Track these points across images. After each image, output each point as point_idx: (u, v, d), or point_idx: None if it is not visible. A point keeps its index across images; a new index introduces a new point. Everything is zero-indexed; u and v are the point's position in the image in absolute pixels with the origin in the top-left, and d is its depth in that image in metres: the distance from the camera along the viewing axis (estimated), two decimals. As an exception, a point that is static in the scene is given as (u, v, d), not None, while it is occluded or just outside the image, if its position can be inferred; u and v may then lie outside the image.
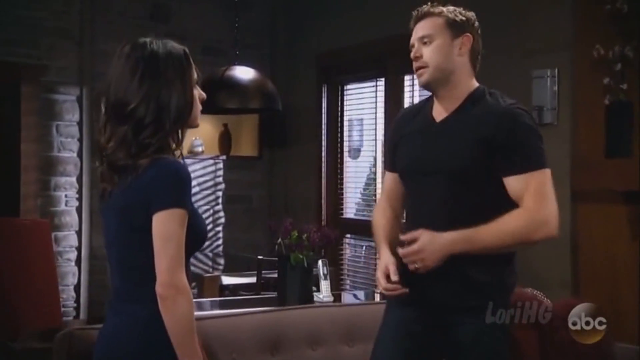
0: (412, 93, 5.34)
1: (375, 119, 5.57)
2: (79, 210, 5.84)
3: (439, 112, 2.29)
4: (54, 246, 5.64)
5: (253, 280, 4.52)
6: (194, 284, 4.46)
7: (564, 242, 4.04)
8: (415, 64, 2.28)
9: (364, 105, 5.77)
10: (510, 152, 2.15)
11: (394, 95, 5.41)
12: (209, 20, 6.32)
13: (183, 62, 1.97)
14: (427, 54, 2.25)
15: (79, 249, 5.85)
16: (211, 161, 6.24)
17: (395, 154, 2.38)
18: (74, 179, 5.84)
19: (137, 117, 1.89)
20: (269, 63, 6.44)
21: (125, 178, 1.89)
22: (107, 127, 1.93)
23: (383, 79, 5.49)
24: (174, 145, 1.93)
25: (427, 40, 2.26)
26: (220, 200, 6.25)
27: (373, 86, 5.61)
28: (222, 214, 6.27)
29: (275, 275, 3.87)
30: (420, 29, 2.30)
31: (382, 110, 5.51)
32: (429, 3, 2.36)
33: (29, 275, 3.11)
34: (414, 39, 2.31)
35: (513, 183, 2.15)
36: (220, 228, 6.24)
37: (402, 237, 2.19)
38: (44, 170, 5.74)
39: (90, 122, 5.87)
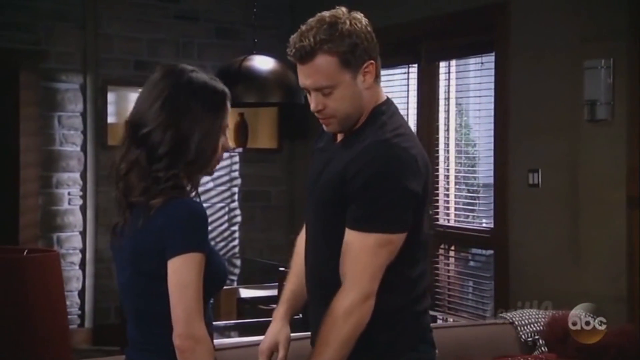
0: (448, 81, 5.25)
1: (408, 108, 5.48)
2: (83, 209, 5.82)
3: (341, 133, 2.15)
4: (57, 248, 5.64)
5: (273, 292, 4.47)
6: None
7: (619, 253, 3.95)
8: (318, 114, 2.06)
9: (394, 94, 5.66)
10: (351, 199, 1.98)
11: (428, 82, 5.32)
12: (222, -1, 6.25)
13: (218, 101, 1.93)
14: (332, 105, 2.02)
15: (83, 251, 5.84)
16: (226, 154, 6.16)
17: None
18: (77, 175, 5.82)
19: (151, 143, 1.87)
20: (290, 45, 6.34)
21: (137, 217, 1.87)
22: (125, 145, 1.92)
23: (416, 65, 5.41)
24: (189, 187, 1.92)
25: (327, 91, 2.00)
26: (236, 197, 6.21)
27: (405, 72, 5.52)
28: (238, 212, 6.23)
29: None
30: (310, 75, 1.99)
31: (415, 98, 5.43)
32: (309, 32, 2.00)
33: (35, 319, 3.04)
34: (304, 84, 2.02)
35: (345, 236, 1.99)
36: (236, 227, 6.21)
37: None
38: (45, 166, 5.72)
39: (95, 112, 5.84)
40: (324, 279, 2.11)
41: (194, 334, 1.79)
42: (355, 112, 2.05)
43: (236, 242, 6.19)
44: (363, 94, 2.04)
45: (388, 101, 2.11)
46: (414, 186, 1.98)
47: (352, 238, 1.99)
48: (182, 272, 1.80)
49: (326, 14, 2.03)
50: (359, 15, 2.05)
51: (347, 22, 2.00)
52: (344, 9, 2.04)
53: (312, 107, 2.05)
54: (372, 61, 2.02)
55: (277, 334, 2.26)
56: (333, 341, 1.99)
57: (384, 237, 1.96)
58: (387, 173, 1.96)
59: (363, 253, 1.97)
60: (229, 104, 1.95)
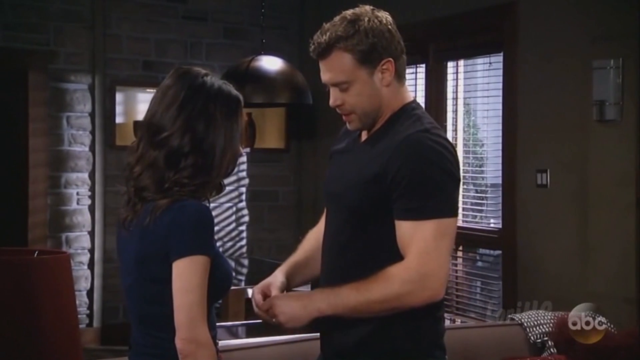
0: (456, 82, 5.22)
1: (415, 109, 5.46)
2: (91, 209, 5.82)
3: (365, 132, 2.14)
4: (66, 248, 5.64)
5: (281, 292, 4.44)
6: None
7: (629, 253, 3.92)
8: (338, 110, 2.09)
9: (402, 94, 5.66)
10: (399, 192, 1.96)
11: (435, 82, 5.30)
12: (230, -1, 6.24)
13: (235, 106, 1.91)
14: (350, 101, 2.05)
15: (91, 250, 5.83)
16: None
17: None
18: (86, 175, 5.81)
19: (169, 147, 1.85)
20: (298, 45, 6.33)
21: (146, 214, 1.85)
22: (139, 148, 1.90)
23: (424, 65, 5.38)
24: (213, 194, 1.92)
25: (344, 86, 2.04)
26: (243, 197, 6.19)
27: (412, 72, 5.49)
28: (245, 212, 6.21)
29: (307, 288, 3.79)
30: (328, 71, 2.05)
31: (423, 99, 5.40)
32: (329, 29, 2.04)
33: (46, 322, 3.00)
34: (323, 79, 2.08)
35: (398, 229, 1.97)
36: (243, 227, 6.19)
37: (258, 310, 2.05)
38: (53, 166, 5.71)
39: (103, 112, 5.83)
40: (339, 270, 2.07)
41: (196, 338, 1.77)
42: (374, 110, 2.06)
43: (244, 242, 6.17)
44: (382, 92, 2.05)
45: (416, 101, 2.16)
46: (457, 174, 2.02)
47: (409, 228, 1.95)
48: (186, 276, 1.77)
49: (349, 11, 2.06)
50: (381, 13, 2.06)
51: (367, 20, 2.02)
52: (367, 8, 2.06)
53: (331, 102, 2.08)
54: (390, 59, 2.04)
55: (271, 280, 2.17)
56: (375, 292, 1.93)
57: (441, 222, 1.95)
58: (435, 160, 1.98)
59: (423, 241, 1.94)
60: (242, 109, 1.94)
